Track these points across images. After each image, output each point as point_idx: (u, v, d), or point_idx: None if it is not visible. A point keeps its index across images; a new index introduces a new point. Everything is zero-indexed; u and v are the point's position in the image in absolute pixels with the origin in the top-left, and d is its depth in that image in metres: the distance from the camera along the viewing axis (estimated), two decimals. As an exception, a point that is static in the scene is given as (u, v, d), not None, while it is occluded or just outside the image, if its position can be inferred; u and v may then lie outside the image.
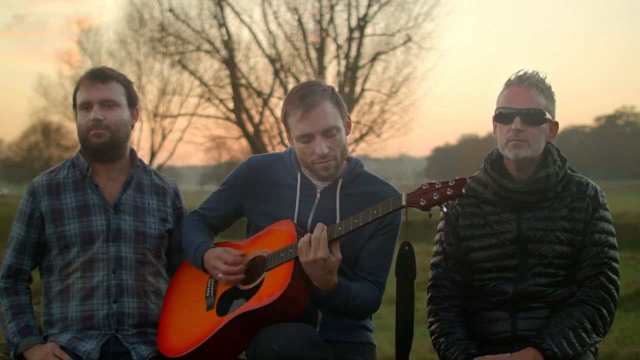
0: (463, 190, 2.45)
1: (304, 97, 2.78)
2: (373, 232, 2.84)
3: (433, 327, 2.89)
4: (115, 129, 2.96)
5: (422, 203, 2.49)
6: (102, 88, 2.95)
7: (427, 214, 2.53)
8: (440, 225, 2.98)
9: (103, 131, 2.94)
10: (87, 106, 2.95)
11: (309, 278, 2.69)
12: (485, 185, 2.88)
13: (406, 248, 2.69)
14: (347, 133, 2.89)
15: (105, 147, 2.96)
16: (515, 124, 2.74)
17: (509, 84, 2.81)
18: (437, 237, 2.98)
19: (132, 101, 3.04)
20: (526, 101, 2.75)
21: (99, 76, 2.97)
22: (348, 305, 2.72)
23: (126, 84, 3.03)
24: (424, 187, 2.52)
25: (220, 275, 2.80)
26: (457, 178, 2.48)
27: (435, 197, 2.47)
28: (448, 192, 2.46)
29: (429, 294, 2.95)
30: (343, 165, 2.91)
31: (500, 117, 2.80)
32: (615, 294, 2.76)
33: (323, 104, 2.78)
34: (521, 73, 2.81)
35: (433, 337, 2.87)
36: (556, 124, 2.86)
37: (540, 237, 2.78)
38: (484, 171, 2.90)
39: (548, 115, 2.78)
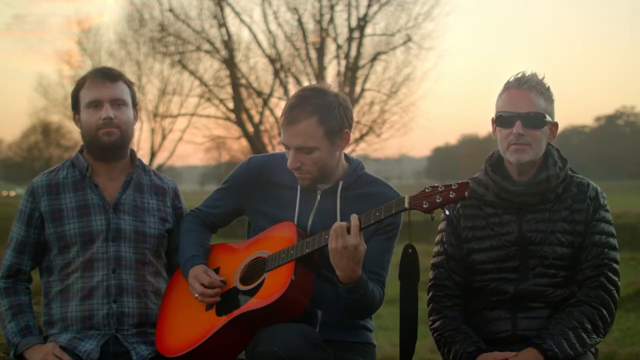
0: (466, 194, 2.45)
1: (290, 110, 2.78)
2: (374, 232, 2.83)
3: (436, 324, 2.88)
4: (124, 127, 2.97)
5: (424, 206, 2.49)
6: (112, 87, 2.96)
7: (430, 217, 2.53)
8: (442, 226, 2.98)
9: (114, 130, 2.94)
10: (96, 104, 2.95)
11: (309, 279, 2.69)
12: (486, 187, 2.88)
13: (409, 251, 2.68)
14: (340, 147, 2.84)
15: (114, 145, 2.96)
16: (517, 128, 2.74)
17: (508, 86, 2.81)
18: (438, 237, 2.98)
19: (135, 101, 3.06)
20: (527, 105, 2.75)
21: (109, 75, 2.98)
22: (364, 301, 2.70)
23: (130, 84, 3.05)
24: (426, 190, 2.52)
25: (197, 295, 2.83)
26: (460, 182, 2.49)
27: (438, 200, 2.48)
28: (451, 195, 2.46)
29: (430, 294, 2.95)
30: (344, 167, 2.91)
31: (501, 121, 2.80)
32: (616, 294, 2.77)
33: (305, 122, 2.75)
34: (520, 75, 2.80)
35: (437, 334, 2.87)
36: (555, 124, 2.85)
37: (541, 238, 2.78)
38: (485, 173, 2.90)
39: (548, 118, 2.78)
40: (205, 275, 2.82)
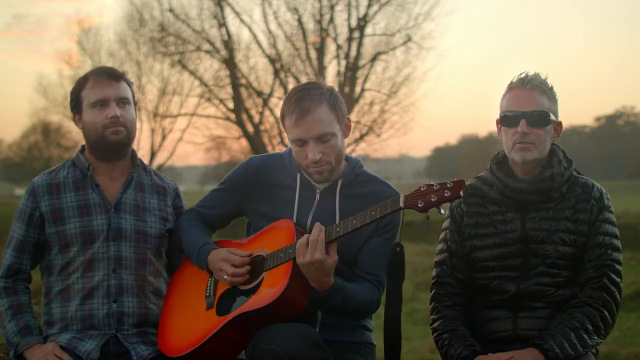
0: (461, 193, 2.44)
1: (300, 102, 2.77)
2: (373, 232, 2.83)
3: (436, 324, 2.89)
4: (130, 126, 2.98)
5: (419, 205, 2.48)
6: (117, 86, 2.97)
7: (425, 216, 2.52)
8: (446, 224, 2.99)
9: (121, 128, 2.95)
10: (102, 103, 2.95)
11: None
12: (490, 185, 2.89)
13: (398, 249, 2.70)
14: (346, 135, 2.88)
15: (122, 144, 2.97)
16: (521, 127, 2.76)
17: (511, 87, 2.84)
18: (441, 235, 2.99)
19: (135, 100, 3.06)
20: (530, 103, 2.77)
21: (113, 74, 2.99)
22: (346, 305, 2.72)
23: (130, 83, 3.06)
24: (421, 189, 2.51)
25: (226, 277, 2.79)
26: (454, 180, 2.48)
27: (433, 199, 2.47)
28: (446, 194, 2.45)
29: (433, 291, 2.96)
30: (343, 166, 2.91)
31: (506, 120, 2.82)
32: (618, 296, 2.78)
33: (318, 109, 2.77)
34: (523, 75, 2.83)
35: (435, 334, 2.88)
36: (560, 123, 2.88)
37: (544, 237, 2.79)
38: (490, 171, 2.92)
39: (552, 117, 2.81)
40: (234, 256, 2.79)
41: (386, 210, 2.56)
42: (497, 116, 2.88)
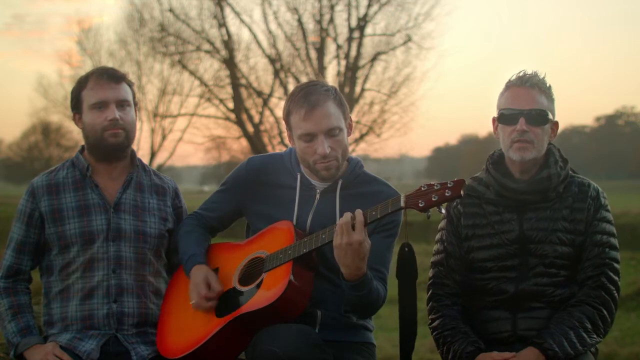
0: (462, 192, 2.44)
1: (308, 96, 2.78)
2: (373, 230, 2.83)
3: (435, 323, 2.89)
4: (129, 128, 2.98)
5: (420, 205, 2.48)
6: (117, 88, 2.97)
7: (426, 216, 2.52)
8: (442, 224, 2.98)
9: (120, 131, 2.95)
10: (102, 105, 2.95)
11: (307, 279, 2.69)
12: (487, 186, 2.88)
13: (406, 249, 2.68)
14: (349, 134, 2.89)
15: (121, 146, 2.97)
16: (520, 125, 2.75)
17: (510, 84, 2.83)
18: (438, 236, 2.98)
19: (135, 101, 3.06)
20: (529, 102, 2.77)
21: (113, 76, 2.98)
22: (369, 298, 2.68)
23: (131, 84, 3.05)
24: (422, 189, 2.51)
25: (192, 301, 2.81)
26: (455, 179, 2.48)
27: (433, 199, 2.47)
28: (446, 194, 2.45)
29: (430, 292, 2.96)
30: (343, 166, 2.91)
31: (504, 118, 2.81)
32: (616, 294, 2.78)
33: (327, 103, 2.78)
34: (522, 74, 2.82)
35: (436, 332, 2.87)
36: (556, 123, 2.88)
37: (542, 237, 2.79)
38: (486, 171, 2.91)
39: (550, 116, 2.80)
40: (204, 285, 2.79)
41: (387, 210, 2.55)
42: (495, 114, 2.87)
